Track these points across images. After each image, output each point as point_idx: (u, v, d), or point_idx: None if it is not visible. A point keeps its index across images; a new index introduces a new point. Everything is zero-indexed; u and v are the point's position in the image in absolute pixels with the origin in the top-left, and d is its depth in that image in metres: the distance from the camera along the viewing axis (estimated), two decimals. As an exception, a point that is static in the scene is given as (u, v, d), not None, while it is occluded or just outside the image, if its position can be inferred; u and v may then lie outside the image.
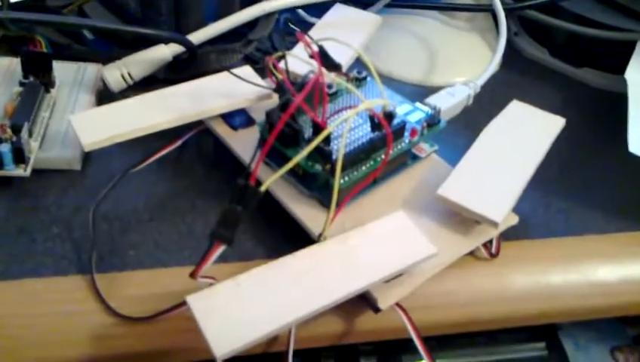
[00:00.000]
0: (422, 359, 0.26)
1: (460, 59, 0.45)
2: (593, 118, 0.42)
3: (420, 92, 0.42)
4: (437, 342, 0.27)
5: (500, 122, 0.33)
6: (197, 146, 0.34)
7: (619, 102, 0.37)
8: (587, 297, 0.31)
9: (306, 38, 0.29)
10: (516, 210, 0.29)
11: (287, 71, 0.28)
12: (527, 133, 0.33)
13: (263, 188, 0.22)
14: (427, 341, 0.26)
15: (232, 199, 0.22)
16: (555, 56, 0.47)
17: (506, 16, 0.42)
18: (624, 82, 0.38)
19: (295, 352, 0.25)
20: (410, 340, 0.26)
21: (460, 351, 0.36)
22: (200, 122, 0.32)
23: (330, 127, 0.24)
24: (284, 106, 0.27)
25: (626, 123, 0.34)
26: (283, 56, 0.29)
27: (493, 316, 0.30)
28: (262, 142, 0.29)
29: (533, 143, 0.32)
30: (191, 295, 0.22)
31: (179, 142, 0.32)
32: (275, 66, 0.29)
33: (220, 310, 0.22)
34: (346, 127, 0.25)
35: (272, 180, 0.22)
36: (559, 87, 0.46)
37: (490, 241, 0.30)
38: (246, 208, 0.22)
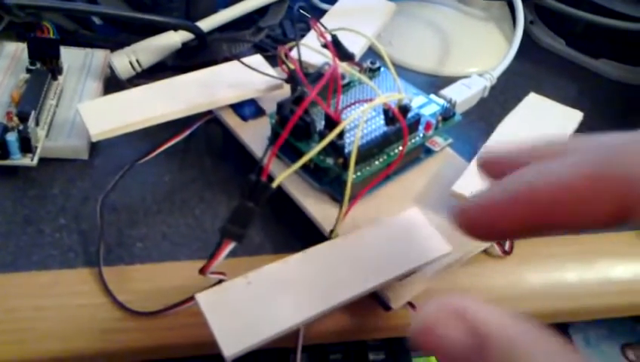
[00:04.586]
0: (432, 355, 0.25)
1: (475, 48, 0.44)
2: (610, 110, 0.41)
3: (433, 82, 0.41)
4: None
5: (517, 115, 0.32)
6: (205, 137, 0.34)
7: (637, 94, 0.36)
8: (602, 296, 0.30)
9: (320, 27, 0.28)
10: (531, 206, 0.28)
11: (299, 62, 0.27)
12: (544, 127, 0.32)
13: (274, 185, 0.21)
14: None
15: (243, 195, 0.22)
16: (572, 47, 0.46)
17: (522, 5, 0.41)
18: (643, 75, 0.37)
19: (303, 347, 0.25)
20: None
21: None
22: (208, 112, 0.32)
23: (345, 122, 0.24)
24: (297, 99, 0.26)
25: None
26: (295, 46, 0.29)
27: (506, 314, 0.29)
28: (274, 135, 0.29)
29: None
30: (200, 293, 0.21)
31: (187, 133, 0.31)
32: (287, 56, 0.28)
33: (230, 308, 0.21)
34: (361, 121, 0.24)
35: (284, 176, 0.22)
36: (575, 79, 0.45)
37: (504, 238, 0.29)
38: (257, 204, 0.22)
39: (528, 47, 0.46)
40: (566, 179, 0.15)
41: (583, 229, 0.15)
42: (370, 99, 0.29)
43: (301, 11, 0.40)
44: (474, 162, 0.29)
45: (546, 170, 0.15)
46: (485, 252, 0.29)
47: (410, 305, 0.25)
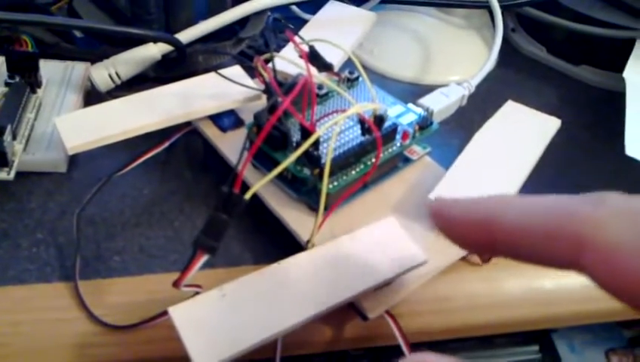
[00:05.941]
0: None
1: (456, 57, 0.44)
2: (591, 117, 0.42)
3: (414, 91, 0.41)
4: (429, 346, 0.27)
5: (494, 124, 0.32)
6: (185, 148, 0.34)
7: (617, 100, 0.36)
8: (582, 302, 0.30)
9: (295, 37, 0.28)
10: (510, 213, 0.28)
11: (274, 72, 0.27)
12: (521, 135, 0.32)
13: (247, 196, 0.21)
14: (420, 345, 0.25)
15: (217, 206, 0.22)
16: (553, 54, 0.47)
17: (504, 13, 0.41)
18: (623, 80, 0.37)
19: (282, 359, 0.25)
20: (402, 346, 0.25)
21: (452, 354, 0.36)
22: (188, 123, 0.32)
23: (319, 132, 0.24)
24: (272, 109, 0.26)
25: (624, 123, 0.34)
26: (272, 57, 0.29)
27: (487, 322, 0.29)
28: (249, 144, 0.29)
29: (527, 145, 0.31)
30: (173, 306, 0.21)
31: (166, 144, 0.31)
32: (263, 67, 0.28)
33: (204, 321, 0.21)
34: (335, 132, 0.25)
35: (257, 187, 0.22)
36: (556, 85, 0.45)
37: (484, 246, 0.29)
38: (231, 216, 0.22)
39: (509, 55, 0.47)
40: (529, 216, 0.16)
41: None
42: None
43: (282, 21, 0.40)
44: (451, 170, 0.29)
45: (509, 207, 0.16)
46: (464, 259, 0.29)
47: (388, 313, 0.25)
